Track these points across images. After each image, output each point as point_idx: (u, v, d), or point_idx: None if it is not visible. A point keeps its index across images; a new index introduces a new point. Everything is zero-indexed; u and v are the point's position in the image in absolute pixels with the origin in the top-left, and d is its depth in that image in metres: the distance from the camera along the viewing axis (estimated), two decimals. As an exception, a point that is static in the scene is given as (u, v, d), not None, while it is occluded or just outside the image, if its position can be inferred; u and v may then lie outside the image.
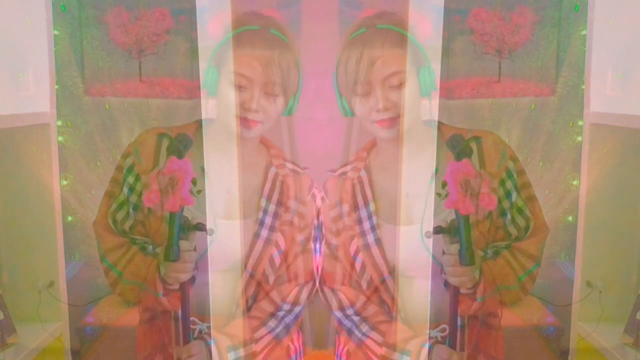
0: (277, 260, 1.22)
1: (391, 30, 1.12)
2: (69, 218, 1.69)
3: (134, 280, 1.13)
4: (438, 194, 1.08)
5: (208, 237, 1.11)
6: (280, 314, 1.22)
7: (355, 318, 1.20)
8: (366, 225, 1.20)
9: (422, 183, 1.16)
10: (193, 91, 1.64)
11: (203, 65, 1.16)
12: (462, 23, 1.62)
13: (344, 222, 1.21)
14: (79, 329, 1.66)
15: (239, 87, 1.12)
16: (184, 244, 1.05)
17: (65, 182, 1.67)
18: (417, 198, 1.16)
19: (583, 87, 1.62)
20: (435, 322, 1.13)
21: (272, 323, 1.20)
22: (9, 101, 1.68)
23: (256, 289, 1.21)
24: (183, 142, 1.07)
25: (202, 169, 1.16)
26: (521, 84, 1.65)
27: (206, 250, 1.13)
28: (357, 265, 1.20)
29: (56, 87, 1.65)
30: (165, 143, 1.16)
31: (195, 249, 1.08)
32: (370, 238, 1.19)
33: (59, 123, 1.66)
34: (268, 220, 1.21)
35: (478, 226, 1.12)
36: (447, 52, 1.62)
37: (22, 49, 1.70)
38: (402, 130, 1.13)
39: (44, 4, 1.61)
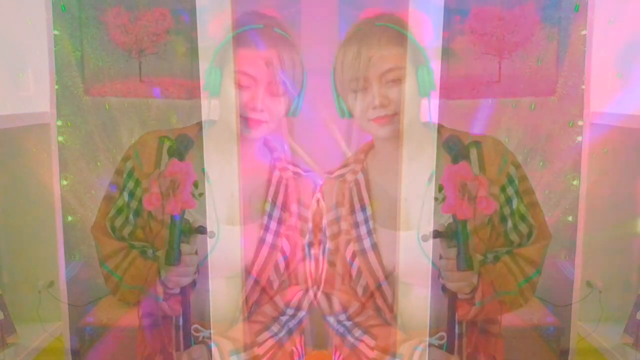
0: (282, 265, 1.19)
1: (389, 27, 1.10)
2: (69, 218, 1.69)
3: (134, 285, 1.12)
4: (435, 198, 1.05)
5: (209, 240, 1.10)
6: (284, 318, 1.20)
7: (348, 323, 1.18)
8: (362, 229, 1.17)
9: (421, 186, 1.13)
10: (193, 91, 1.64)
11: (203, 65, 1.15)
12: (462, 23, 1.62)
13: (340, 226, 1.18)
14: (79, 329, 1.66)
15: (243, 87, 1.10)
16: (185, 248, 1.03)
17: (65, 182, 1.67)
18: (416, 202, 1.13)
19: (583, 87, 1.62)
20: (434, 329, 1.10)
21: (275, 327, 1.18)
22: (9, 101, 1.68)
23: (260, 294, 1.19)
24: (184, 143, 1.05)
25: (204, 172, 1.14)
26: (521, 84, 1.65)
27: (207, 255, 1.12)
28: (353, 271, 1.17)
29: (56, 87, 1.65)
30: (166, 146, 1.14)
31: (196, 253, 1.06)
32: (367, 243, 1.16)
33: (59, 123, 1.66)
34: (273, 225, 1.18)
35: (479, 233, 1.11)
36: (447, 52, 1.62)
37: (22, 49, 1.70)
38: (402, 131, 1.10)
39: (44, 4, 1.61)
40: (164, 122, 1.67)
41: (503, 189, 1.12)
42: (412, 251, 1.11)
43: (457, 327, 1.07)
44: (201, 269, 1.09)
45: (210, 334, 1.12)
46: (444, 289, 1.04)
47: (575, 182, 1.65)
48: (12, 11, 1.65)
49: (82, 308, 1.69)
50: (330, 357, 1.28)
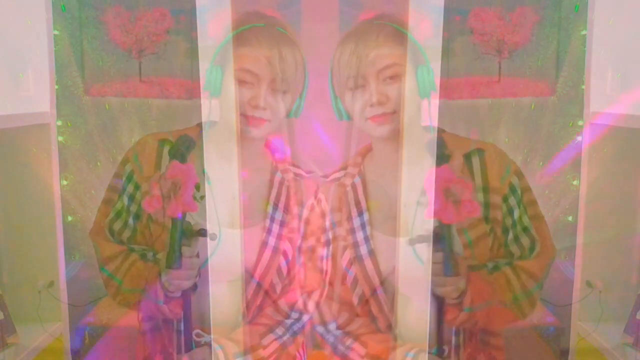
0: (284, 269, 1.17)
1: (388, 25, 1.08)
2: (69, 218, 1.69)
3: (134, 288, 1.10)
4: (419, 203, 1.04)
5: (209, 243, 1.08)
6: (289, 321, 1.17)
7: (338, 332, 1.15)
8: (359, 235, 1.13)
9: (421, 192, 1.09)
10: (193, 91, 1.64)
11: (203, 65, 1.13)
12: (462, 23, 1.63)
13: (335, 232, 1.15)
14: (79, 329, 1.66)
15: (245, 84, 1.08)
16: (186, 251, 1.02)
17: (65, 182, 1.67)
18: (415, 207, 1.10)
19: (583, 87, 1.62)
20: (434, 340, 1.05)
21: (279, 330, 1.16)
22: (9, 101, 1.68)
23: (263, 298, 1.17)
24: (185, 144, 1.03)
25: (204, 174, 1.12)
26: (521, 84, 1.65)
27: (208, 258, 1.10)
28: (349, 278, 1.13)
29: (56, 87, 1.65)
30: (166, 149, 1.12)
31: (197, 256, 1.04)
32: (364, 249, 1.12)
33: (59, 123, 1.66)
34: (275, 228, 1.16)
35: (480, 243, 1.08)
36: (447, 52, 1.62)
37: (22, 49, 1.70)
38: (402, 133, 1.08)
39: (44, 4, 1.61)
40: (164, 122, 1.67)
41: (505, 199, 1.10)
42: (411, 258, 1.08)
43: (454, 337, 1.05)
44: (202, 272, 1.07)
45: (211, 339, 1.10)
46: (433, 293, 1.01)
47: (575, 182, 1.65)
48: (12, 11, 1.65)
49: (82, 308, 1.69)
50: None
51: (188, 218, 1.01)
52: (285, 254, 1.17)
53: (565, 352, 1.69)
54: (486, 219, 1.09)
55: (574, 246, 1.68)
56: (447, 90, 1.64)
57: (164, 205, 1.01)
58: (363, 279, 1.12)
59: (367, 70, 1.06)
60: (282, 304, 1.19)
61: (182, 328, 1.07)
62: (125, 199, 1.15)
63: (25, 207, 1.78)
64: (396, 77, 1.06)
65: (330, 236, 1.16)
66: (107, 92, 1.66)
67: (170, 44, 1.64)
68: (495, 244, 1.10)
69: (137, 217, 1.15)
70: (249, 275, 1.15)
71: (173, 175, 1.00)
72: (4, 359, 1.68)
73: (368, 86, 1.07)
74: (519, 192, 1.11)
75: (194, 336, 1.08)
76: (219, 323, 1.13)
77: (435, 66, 1.11)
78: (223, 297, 1.15)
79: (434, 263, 0.99)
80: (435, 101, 1.10)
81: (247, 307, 1.17)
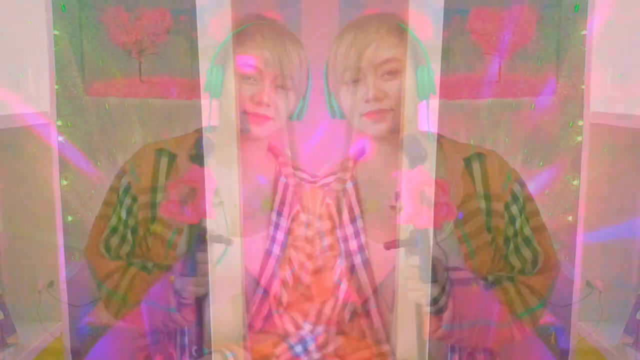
0: (290, 278, 1.10)
1: (389, 19, 1.03)
2: (69, 218, 1.69)
3: (140, 300, 1.05)
4: (392, 207, 0.95)
5: (212, 250, 1.04)
6: (302, 332, 1.11)
7: (317, 356, 1.08)
8: (353, 244, 1.06)
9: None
10: (193, 91, 1.64)
11: (203, 65, 1.12)
12: (462, 23, 1.62)
13: (324, 241, 1.09)
14: (79, 329, 1.66)
15: (248, 80, 1.03)
16: (201, 256, 0.98)
17: (65, 182, 1.67)
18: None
19: (583, 87, 1.62)
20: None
21: (292, 340, 1.10)
22: (9, 101, 1.68)
23: (270, 308, 1.11)
24: (206, 147, 1.01)
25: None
26: (521, 84, 1.65)
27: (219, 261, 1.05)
28: (341, 291, 1.06)
29: (56, 87, 1.65)
30: (164, 159, 1.09)
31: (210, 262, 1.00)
32: (357, 259, 1.05)
33: (59, 123, 1.66)
34: (280, 235, 1.10)
35: (480, 254, 1.02)
36: (447, 52, 1.62)
37: (22, 49, 1.70)
38: (402, 134, 1.02)
39: (44, 4, 1.61)
40: (164, 122, 1.67)
41: (507, 207, 1.04)
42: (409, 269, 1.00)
43: (450, 354, 1.01)
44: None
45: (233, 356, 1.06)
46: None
47: (575, 182, 1.65)
48: (12, 11, 1.65)
49: (82, 308, 1.69)
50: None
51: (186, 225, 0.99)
52: (290, 263, 1.11)
53: (565, 352, 1.69)
54: (488, 227, 1.04)
55: (574, 246, 1.68)
56: (447, 90, 1.63)
57: (180, 211, 0.97)
58: (355, 291, 1.05)
59: (365, 63, 1.00)
60: (296, 315, 1.12)
61: (187, 336, 1.05)
62: (123, 212, 1.10)
63: (25, 207, 1.77)
64: (395, 74, 1.01)
65: (319, 246, 1.10)
66: (107, 92, 1.66)
67: (170, 44, 1.64)
68: (496, 255, 1.05)
69: (134, 230, 1.10)
70: (254, 284, 1.10)
71: (191, 179, 0.96)
72: (4, 359, 1.68)
73: (365, 81, 1.01)
74: (521, 200, 1.06)
75: (193, 352, 1.05)
76: (219, 334, 1.09)
77: (435, 66, 1.08)
78: (225, 307, 1.11)
79: (409, 266, 0.94)
80: (434, 105, 1.05)
81: (253, 317, 1.11)
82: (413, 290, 0.95)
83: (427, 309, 0.95)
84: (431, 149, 1.04)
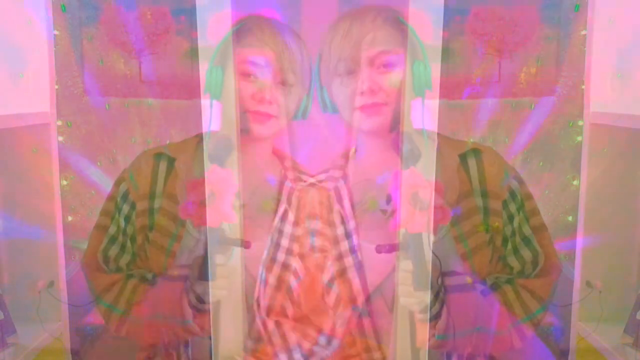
0: (296, 289, 1.02)
1: (387, 9, 0.98)
2: (69, 218, 1.69)
3: (151, 315, 0.99)
4: (383, 211, 0.91)
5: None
6: (316, 349, 1.03)
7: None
8: (344, 245, 1.00)
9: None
10: (193, 91, 1.63)
11: (203, 65, 1.10)
12: (462, 23, 1.62)
13: (313, 243, 1.02)
14: (79, 329, 1.66)
15: (249, 77, 0.99)
16: (220, 258, 0.93)
17: (65, 182, 1.67)
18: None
19: (583, 87, 1.62)
20: None
21: (306, 354, 1.02)
22: (9, 101, 1.68)
23: (276, 322, 1.04)
24: (225, 146, 0.95)
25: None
26: (521, 84, 1.65)
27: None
28: (331, 296, 0.99)
29: (56, 87, 1.65)
30: (163, 164, 1.04)
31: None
32: (349, 262, 0.99)
33: (59, 123, 1.66)
34: (285, 242, 1.03)
35: (478, 254, 0.98)
36: (447, 52, 1.62)
37: (22, 49, 1.70)
38: (402, 128, 0.97)
39: (44, 4, 1.61)
40: (165, 123, 1.67)
41: (505, 205, 1.00)
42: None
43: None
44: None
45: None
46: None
47: (575, 182, 1.65)
48: (12, 11, 1.65)
49: (82, 308, 1.69)
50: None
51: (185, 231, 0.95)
52: (295, 273, 1.03)
53: (565, 352, 1.69)
54: (486, 226, 0.99)
55: (574, 246, 1.68)
56: (447, 90, 1.63)
57: (199, 213, 0.92)
58: (347, 296, 0.99)
59: (360, 54, 0.96)
60: (310, 329, 1.04)
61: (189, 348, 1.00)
62: (121, 221, 1.06)
63: (25, 207, 1.77)
64: (391, 67, 0.97)
65: (307, 248, 1.03)
66: (107, 92, 1.66)
67: (170, 44, 1.64)
68: (494, 255, 1.01)
69: (133, 239, 1.06)
70: (257, 296, 1.03)
71: (211, 181, 0.91)
72: (4, 359, 1.68)
73: (359, 72, 0.97)
74: (520, 198, 1.02)
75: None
76: (224, 354, 1.04)
77: (435, 66, 1.07)
78: (226, 321, 1.05)
79: (401, 271, 0.90)
80: (429, 102, 1.01)
81: (262, 328, 1.04)
82: (405, 296, 0.92)
83: (420, 316, 0.91)
84: (425, 147, 0.98)
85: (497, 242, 1.01)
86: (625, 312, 1.71)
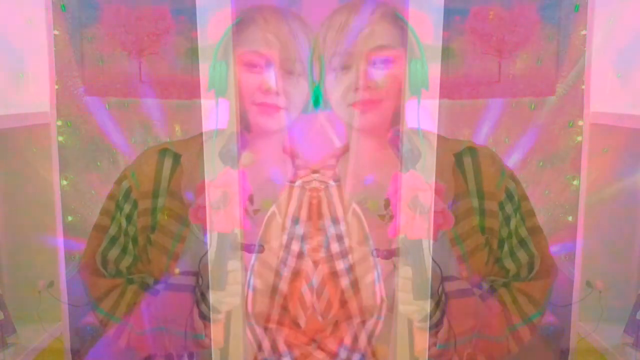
0: (308, 296, 0.97)
1: (386, 4, 0.95)
2: (69, 218, 1.69)
3: (150, 328, 0.95)
4: (380, 216, 0.89)
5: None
6: None
7: None
8: (334, 248, 0.97)
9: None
10: (193, 91, 1.63)
11: (203, 65, 1.08)
12: (462, 23, 1.62)
13: (302, 246, 0.98)
14: (79, 329, 1.66)
15: (253, 68, 0.96)
16: (232, 264, 0.90)
17: (65, 182, 1.67)
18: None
19: (583, 87, 1.62)
20: None
21: None
22: (9, 101, 1.68)
23: (289, 332, 0.98)
24: (242, 142, 0.92)
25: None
26: (521, 84, 1.65)
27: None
28: (322, 302, 0.96)
29: (56, 87, 1.65)
30: (168, 160, 1.01)
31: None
32: (340, 266, 0.96)
33: (59, 123, 1.66)
34: (295, 245, 0.98)
35: (474, 257, 0.95)
36: (447, 52, 1.62)
37: (22, 49, 1.70)
38: (402, 127, 0.95)
39: (44, 4, 1.61)
40: (165, 123, 1.66)
41: (502, 206, 0.99)
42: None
43: None
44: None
45: None
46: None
47: (575, 182, 1.65)
48: (12, 11, 1.65)
49: (82, 308, 1.69)
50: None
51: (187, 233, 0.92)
52: (307, 278, 0.99)
53: (565, 352, 1.69)
54: (482, 228, 0.97)
55: (574, 246, 1.68)
56: (447, 90, 1.63)
57: (211, 219, 0.88)
58: (338, 303, 0.95)
59: (357, 48, 0.93)
60: (329, 340, 0.99)
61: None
62: (123, 221, 1.02)
63: (25, 207, 1.77)
64: (388, 63, 0.94)
65: (295, 252, 0.99)
66: (107, 92, 1.66)
67: (170, 44, 1.64)
68: (490, 258, 0.99)
69: (134, 240, 1.02)
70: (266, 305, 0.99)
71: (224, 183, 0.87)
72: (4, 359, 1.68)
73: (355, 67, 0.94)
74: (516, 199, 1.00)
75: None
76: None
77: (435, 66, 1.05)
78: (236, 330, 1.00)
79: (401, 278, 0.88)
80: (429, 102, 0.98)
81: (271, 344, 0.99)
82: (405, 304, 0.89)
83: (419, 325, 0.89)
84: (421, 147, 0.96)
85: (493, 244, 0.99)
86: (625, 312, 1.71)
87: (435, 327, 0.88)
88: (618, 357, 1.69)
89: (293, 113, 0.99)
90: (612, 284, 1.76)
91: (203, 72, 1.06)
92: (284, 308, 0.99)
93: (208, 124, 1.05)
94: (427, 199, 0.85)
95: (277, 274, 0.98)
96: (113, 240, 1.05)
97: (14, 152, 1.75)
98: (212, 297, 0.90)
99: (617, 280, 1.78)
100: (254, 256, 0.99)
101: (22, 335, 1.74)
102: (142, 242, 1.02)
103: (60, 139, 1.67)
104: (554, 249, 1.65)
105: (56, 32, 1.63)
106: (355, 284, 0.96)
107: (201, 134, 1.08)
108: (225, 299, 0.91)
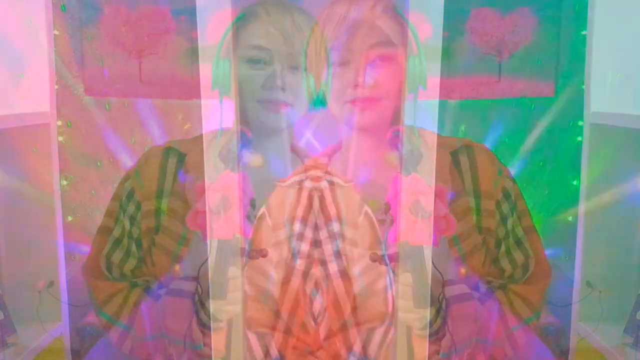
0: (318, 301, 0.94)
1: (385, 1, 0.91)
2: (69, 218, 1.69)
3: (151, 335, 0.92)
4: (380, 221, 0.86)
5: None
6: None
7: None
8: (327, 249, 0.94)
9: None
10: (193, 91, 1.63)
11: (203, 65, 1.08)
12: (462, 23, 1.62)
13: (293, 247, 0.95)
14: (79, 329, 1.66)
15: (257, 64, 0.92)
16: (231, 271, 0.87)
17: (65, 182, 1.67)
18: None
19: (583, 87, 1.62)
20: None
21: None
22: (9, 101, 1.68)
23: (299, 334, 0.95)
24: (243, 144, 0.88)
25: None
26: (521, 84, 1.65)
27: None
28: (315, 304, 0.92)
29: (56, 87, 1.65)
30: (172, 159, 0.98)
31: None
32: (333, 267, 0.93)
33: (59, 123, 1.66)
34: (305, 248, 0.95)
35: (472, 257, 0.94)
36: (447, 52, 1.62)
37: (22, 49, 1.70)
38: (402, 126, 0.92)
39: (44, 4, 1.61)
40: (165, 123, 1.66)
41: (499, 205, 0.97)
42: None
43: None
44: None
45: None
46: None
47: (575, 182, 1.65)
48: (12, 11, 1.65)
49: (82, 308, 1.69)
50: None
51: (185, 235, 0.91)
52: (317, 283, 0.95)
53: (565, 352, 1.69)
54: (479, 228, 0.96)
55: (574, 246, 1.68)
56: (447, 90, 1.63)
57: (210, 225, 0.85)
58: (331, 304, 0.92)
59: (356, 44, 0.89)
60: (339, 346, 0.95)
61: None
62: (126, 222, 1.01)
63: (25, 207, 1.77)
64: (388, 60, 0.92)
65: (286, 253, 0.96)
66: (107, 92, 1.66)
67: (170, 44, 1.64)
68: (487, 258, 0.97)
69: (138, 242, 1.00)
70: (275, 310, 0.95)
71: (223, 187, 0.85)
72: (4, 359, 1.68)
73: (354, 63, 0.91)
74: (513, 198, 0.99)
75: None
76: None
77: (435, 66, 1.04)
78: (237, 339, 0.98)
79: (401, 285, 0.85)
80: (429, 102, 0.96)
81: (280, 353, 0.95)
82: (405, 312, 0.87)
83: (419, 333, 0.87)
84: (419, 143, 0.94)
85: (490, 244, 0.98)
86: (625, 312, 1.71)
87: (435, 335, 0.87)
88: (618, 357, 1.69)
89: (299, 109, 0.96)
90: (612, 284, 1.76)
91: (203, 72, 1.05)
92: (291, 314, 0.96)
93: (209, 124, 1.03)
94: (429, 203, 0.82)
95: (273, 278, 0.96)
96: (117, 243, 1.03)
97: (14, 152, 1.75)
98: (213, 305, 0.88)
99: (617, 280, 1.78)
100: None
101: (22, 335, 1.74)
102: (147, 244, 1.00)
103: (60, 139, 1.67)
104: (553, 249, 1.66)
105: (56, 32, 1.63)
106: (364, 290, 0.94)
107: (205, 133, 1.08)
108: (226, 307, 0.89)
